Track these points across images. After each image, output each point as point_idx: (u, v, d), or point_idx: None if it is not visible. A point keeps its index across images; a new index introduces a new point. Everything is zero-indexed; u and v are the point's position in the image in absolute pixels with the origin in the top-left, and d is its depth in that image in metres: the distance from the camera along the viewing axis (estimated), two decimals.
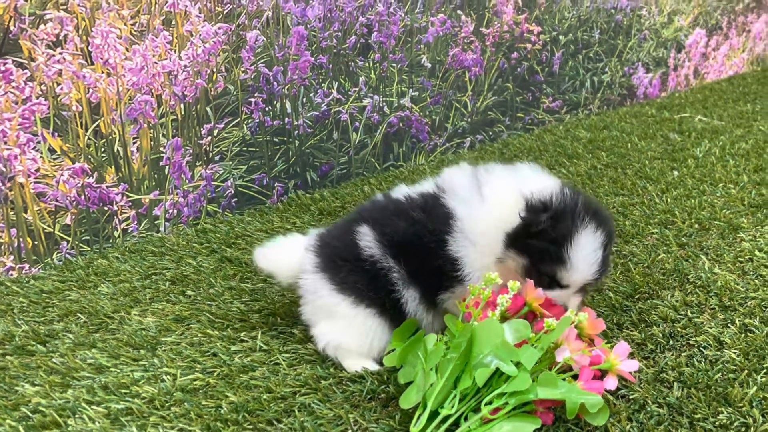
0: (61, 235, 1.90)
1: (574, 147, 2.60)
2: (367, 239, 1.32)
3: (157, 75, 1.96)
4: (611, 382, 1.16)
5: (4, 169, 1.78)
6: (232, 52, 2.09)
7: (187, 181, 2.09)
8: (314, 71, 2.25)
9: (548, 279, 1.23)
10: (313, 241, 1.41)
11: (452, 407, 1.10)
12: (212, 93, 2.08)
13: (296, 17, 2.18)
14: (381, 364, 1.34)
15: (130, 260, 1.89)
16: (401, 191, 1.38)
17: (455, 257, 1.26)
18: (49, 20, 1.77)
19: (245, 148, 2.18)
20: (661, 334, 1.40)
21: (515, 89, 2.79)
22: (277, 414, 1.25)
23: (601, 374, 1.18)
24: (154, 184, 2.03)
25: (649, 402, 1.22)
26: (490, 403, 1.09)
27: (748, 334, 1.39)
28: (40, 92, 1.79)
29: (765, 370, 1.27)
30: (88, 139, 1.90)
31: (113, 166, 1.95)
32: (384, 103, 2.44)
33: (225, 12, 2.05)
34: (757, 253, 1.69)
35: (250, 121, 2.17)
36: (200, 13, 2.00)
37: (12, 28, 1.73)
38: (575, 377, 1.15)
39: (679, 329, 1.42)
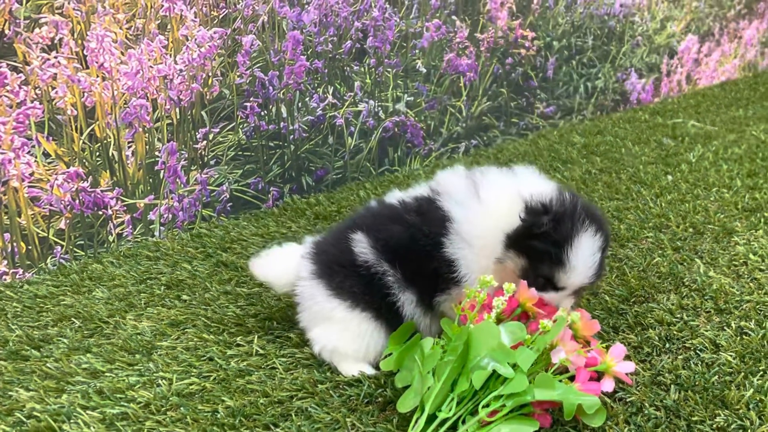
0: (56, 239, 1.89)
1: (569, 152, 2.61)
2: (361, 246, 1.33)
3: (153, 79, 1.96)
4: (608, 384, 1.16)
5: None
6: (228, 57, 2.09)
7: (182, 186, 2.09)
8: (310, 76, 2.26)
9: (544, 281, 1.23)
10: (309, 248, 1.41)
11: (450, 410, 1.10)
12: (208, 97, 2.08)
13: (292, 22, 2.18)
14: (378, 368, 1.34)
15: (124, 265, 1.88)
16: (395, 196, 1.39)
17: (451, 259, 1.27)
18: (44, 24, 1.77)
19: (240, 153, 2.18)
20: (657, 337, 1.41)
21: (510, 94, 2.80)
22: (274, 418, 1.24)
23: (598, 376, 1.18)
24: (149, 188, 2.03)
25: (647, 405, 1.22)
26: (487, 405, 1.09)
27: (744, 336, 1.39)
28: (34, 96, 1.79)
29: (761, 373, 1.28)
30: (83, 143, 1.89)
31: (108, 171, 1.94)
32: (379, 108, 2.44)
33: (221, 16, 2.05)
34: (751, 256, 1.70)
35: (245, 125, 2.17)
36: (196, 17, 2.00)
37: (6, 31, 1.73)
38: (572, 379, 1.15)
39: (675, 332, 1.42)
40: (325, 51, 2.27)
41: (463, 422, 1.10)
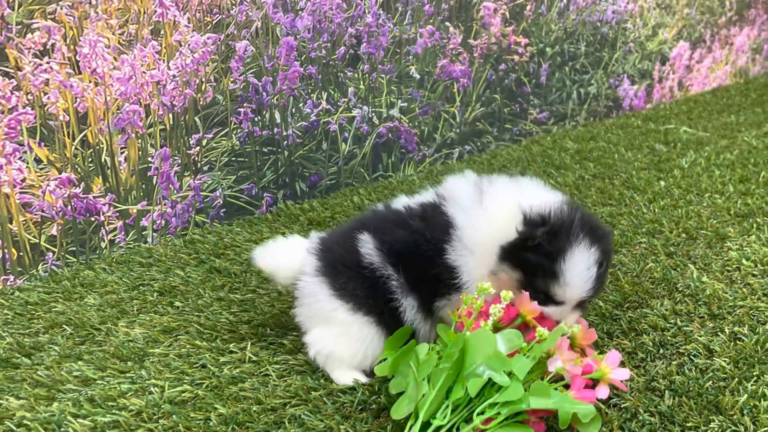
0: (47, 246, 1.88)
1: (562, 158, 2.61)
2: (367, 247, 1.31)
3: (146, 85, 1.95)
4: (603, 391, 1.16)
5: None
6: (221, 62, 2.08)
7: (175, 192, 2.08)
8: (303, 82, 2.25)
9: (543, 295, 1.22)
10: (315, 244, 1.40)
11: (444, 417, 1.09)
12: (201, 103, 2.07)
13: (285, 28, 2.18)
14: (372, 375, 1.33)
15: (117, 271, 1.87)
16: (401, 201, 1.38)
17: (453, 266, 1.26)
18: (36, 29, 1.76)
19: (234, 159, 2.17)
20: (651, 343, 1.41)
21: (503, 100, 2.81)
22: (267, 426, 1.23)
23: (593, 383, 1.18)
24: (141, 194, 2.02)
25: (641, 411, 1.22)
26: (482, 413, 1.08)
27: (738, 342, 1.39)
28: (26, 101, 1.78)
29: (755, 378, 1.28)
30: (75, 149, 1.88)
31: (100, 177, 1.93)
32: (373, 114, 2.44)
33: (214, 22, 2.05)
34: (744, 261, 1.70)
35: (239, 131, 2.16)
36: (189, 22, 2.00)
37: None
38: (567, 387, 1.15)
39: (668, 338, 1.43)
40: (319, 57, 2.27)
41: (458, 430, 1.09)
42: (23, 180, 1.81)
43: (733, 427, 1.16)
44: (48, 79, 1.80)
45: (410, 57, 2.49)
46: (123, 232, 2.00)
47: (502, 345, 1.13)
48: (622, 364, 1.25)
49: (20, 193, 1.80)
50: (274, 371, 1.39)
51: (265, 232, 2.08)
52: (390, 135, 2.50)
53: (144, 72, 1.94)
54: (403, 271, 1.29)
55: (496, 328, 1.18)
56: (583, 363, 1.17)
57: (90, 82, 1.86)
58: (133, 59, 1.92)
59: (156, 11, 1.94)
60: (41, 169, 1.84)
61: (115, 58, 1.89)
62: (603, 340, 1.43)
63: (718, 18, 3.61)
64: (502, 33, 2.73)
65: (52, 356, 1.48)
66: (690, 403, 1.22)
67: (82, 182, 1.91)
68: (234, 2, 2.07)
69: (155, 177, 2.03)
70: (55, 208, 1.87)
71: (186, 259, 1.92)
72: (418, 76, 2.53)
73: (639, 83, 3.32)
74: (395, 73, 2.47)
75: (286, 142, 2.26)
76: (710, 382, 1.27)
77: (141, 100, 1.96)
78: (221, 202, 2.17)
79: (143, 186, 2.02)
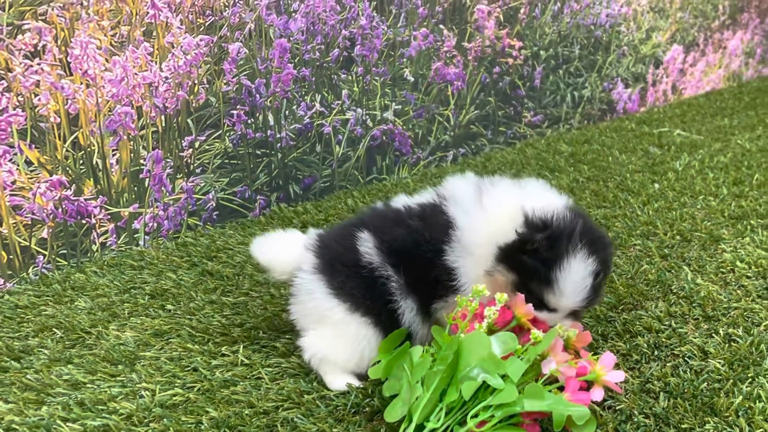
0: (38, 249, 1.86)
1: (556, 160, 2.61)
2: (367, 245, 1.30)
3: (138, 86, 1.94)
4: (597, 393, 1.15)
5: None
6: (214, 64, 2.07)
7: (167, 194, 2.06)
8: (297, 84, 2.25)
9: (537, 300, 1.21)
10: (313, 240, 1.37)
11: (438, 420, 1.08)
12: (194, 105, 2.06)
13: (279, 30, 2.17)
14: (366, 378, 1.32)
15: (108, 274, 1.86)
16: (401, 201, 1.37)
17: (452, 267, 1.25)
18: (27, 30, 1.75)
19: (227, 161, 2.16)
20: (646, 345, 1.40)
21: (497, 103, 2.81)
22: (259, 429, 1.22)
23: (588, 385, 1.17)
24: (133, 196, 2.00)
25: (636, 413, 1.21)
26: (476, 416, 1.07)
27: (732, 343, 1.39)
28: (17, 103, 1.76)
29: (750, 380, 1.27)
30: (66, 151, 1.86)
31: (92, 179, 1.92)
32: (367, 116, 2.43)
33: (207, 24, 2.04)
34: (738, 263, 1.70)
35: (232, 133, 2.15)
36: (182, 24, 1.99)
37: None
38: (561, 389, 1.14)
39: (663, 339, 1.42)
40: (313, 59, 2.26)
41: None
42: (13, 182, 1.79)
43: (728, 429, 1.16)
44: (39, 81, 1.78)
45: (404, 60, 2.49)
46: (114, 235, 1.99)
47: (496, 347, 1.12)
48: (617, 366, 1.25)
49: (10, 195, 1.79)
50: (266, 374, 1.37)
51: (258, 235, 2.06)
52: (384, 137, 2.49)
53: (136, 74, 1.93)
54: (403, 271, 1.28)
55: (491, 331, 1.17)
56: (577, 365, 1.16)
57: (81, 83, 1.85)
58: (125, 61, 1.91)
59: (148, 13, 1.93)
60: (32, 171, 1.82)
61: (106, 60, 1.88)
62: (598, 342, 1.43)
63: (712, 22, 3.62)
64: (497, 36, 2.73)
65: (42, 360, 1.47)
66: (685, 404, 1.22)
67: (73, 184, 1.89)
68: (227, 4, 2.06)
69: (147, 179, 2.02)
70: (45, 211, 1.85)
71: (178, 262, 1.91)
72: (412, 79, 2.52)
73: (633, 86, 3.33)
74: (389, 75, 2.46)
75: (279, 145, 2.25)
76: (705, 384, 1.27)
77: (133, 102, 1.94)
78: (214, 204, 2.15)
79: (135, 188, 2.00)
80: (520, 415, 1.09)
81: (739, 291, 1.59)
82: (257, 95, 2.17)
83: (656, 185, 2.29)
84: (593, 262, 1.19)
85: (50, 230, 1.87)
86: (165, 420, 1.25)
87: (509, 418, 1.09)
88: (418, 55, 2.52)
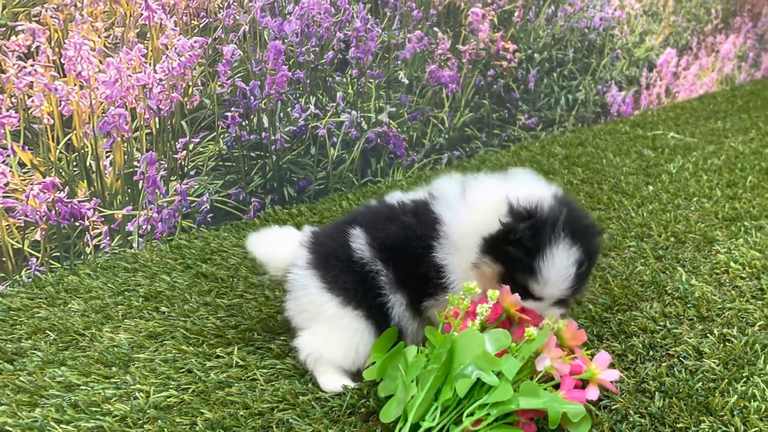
0: (31, 251, 1.85)
1: (551, 163, 2.62)
2: (359, 241, 1.31)
3: (132, 88, 1.94)
4: (593, 392, 1.15)
5: None
6: (209, 66, 2.07)
7: (161, 196, 2.06)
8: (291, 86, 2.24)
9: (522, 289, 1.21)
10: (308, 237, 1.39)
11: (433, 419, 1.08)
12: (188, 107, 2.06)
13: (273, 32, 2.17)
14: (361, 379, 1.31)
15: (101, 277, 1.85)
16: (395, 197, 1.38)
17: (440, 264, 1.25)
18: (20, 31, 1.74)
19: (221, 163, 2.16)
20: (641, 345, 1.40)
21: (491, 106, 2.81)
22: (254, 431, 1.22)
23: (583, 384, 1.17)
24: (127, 199, 2.00)
25: (631, 412, 1.21)
26: (471, 414, 1.07)
27: (727, 343, 1.39)
28: (10, 105, 1.76)
29: (744, 379, 1.27)
30: (60, 152, 1.86)
31: (85, 181, 1.91)
32: (362, 119, 2.43)
33: (201, 25, 2.04)
34: (732, 264, 1.71)
35: (226, 135, 2.15)
36: (176, 26, 1.99)
37: None
38: (556, 387, 1.14)
39: (658, 340, 1.42)
40: (307, 61, 2.26)
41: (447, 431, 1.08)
42: (6, 184, 1.78)
43: (723, 428, 1.16)
44: (32, 82, 1.78)
45: (399, 62, 2.49)
46: (108, 237, 1.98)
47: (489, 345, 1.12)
48: (612, 366, 1.25)
49: (3, 197, 1.78)
50: (261, 375, 1.37)
51: None
52: (379, 140, 2.49)
53: (130, 75, 1.93)
54: (392, 267, 1.29)
55: (483, 327, 1.17)
56: (572, 361, 1.16)
57: (75, 85, 1.84)
58: (118, 62, 1.90)
59: (142, 14, 1.93)
60: (25, 173, 1.81)
61: (100, 61, 1.87)
62: (593, 342, 1.43)
63: (705, 26, 3.64)
64: (491, 39, 2.74)
65: (35, 362, 1.46)
66: (680, 404, 1.22)
67: (67, 186, 1.88)
68: (221, 6, 2.06)
69: (141, 181, 2.01)
70: (38, 213, 1.84)
71: (172, 264, 1.90)
72: (406, 81, 2.52)
73: (627, 89, 3.34)
74: (384, 78, 2.46)
75: (274, 147, 2.25)
76: (700, 384, 1.27)
77: (127, 104, 1.94)
78: (208, 206, 2.15)
79: (129, 190, 2.00)
80: (515, 414, 1.09)
81: (733, 292, 1.60)
82: (252, 97, 2.17)
83: (650, 187, 2.29)
84: (577, 250, 1.19)
85: (43, 232, 1.86)
86: (159, 421, 1.24)
87: (505, 416, 1.09)
88: (413, 58, 2.53)
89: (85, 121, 1.88)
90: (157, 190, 2.04)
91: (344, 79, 2.36)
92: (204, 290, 1.74)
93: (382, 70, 2.45)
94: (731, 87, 3.86)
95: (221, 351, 1.46)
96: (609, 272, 1.72)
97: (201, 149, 2.11)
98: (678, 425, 1.17)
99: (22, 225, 1.83)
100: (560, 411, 1.08)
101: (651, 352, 1.39)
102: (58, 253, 1.90)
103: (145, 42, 1.95)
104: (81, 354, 1.48)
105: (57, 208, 1.87)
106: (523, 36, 2.86)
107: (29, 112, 1.79)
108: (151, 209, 2.04)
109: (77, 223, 1.92)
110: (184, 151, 2.07)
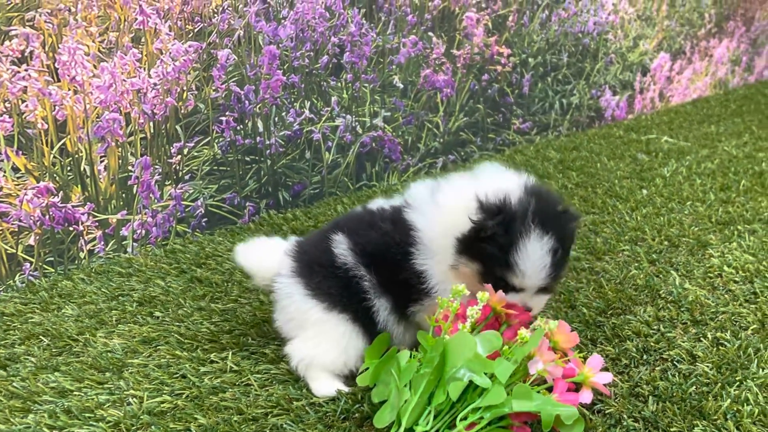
0: (24, 256, 1.85)
1: (545, 167, 2.62)
2: (341, 247, 1.33)
3: (126, 93, 1.94)
4: (586, 395, 1.16)
5: None
6: (203, 71, 2.07)
7: (155, 201, 2.05)
8: (286, 90, 2.25)
9: (503, 283, 1.22)
10: (292, 246, 1.41)
11: (427, 424, 1.08)
12: (182, 111, 2.06)
13: (268, 36, 2.17)
14: (355, 383, 1.31)
15: (96, 281, 1.84)
16: (376, 203, 1.39)
17: (420, 270, 1.27)
18: (14, 36, 1.74)
19: (216, 168, 2.15)
20: (634, 349, 1.41)
21: (486, 110, 2.82)
22: None
23: (576, 387, 1.18)
24: (121, 203, 1.99)
25: (625, 416, 1.21)
26: (465, 418, 1.07)
27: (720, 347, 1.40)
28: (4, 109, 1.75)
29: (738, 383, 1.28)
30: (54, 157, 1.85)
31: (79, 186, 1.91)
32: (356, 123, 2.44)
33: (196, 30, 2.04)
34: (725, 268, 1.71)
35: (221, 140, 2.15)
36: (170, 31, 1.99)
37: None
38: (549, 390, 1.14)
39: (652, 344, 1.42)
40: (302, 66, 2.27)
41: None
42: (0, 189, 1.78)
43: None
44: (26, 87, 1.77)
45: (393, 66, 2.49)
46: (102, 242, 1.97)
47: (481, 347, 1.12)
48: (606, 370, 1.25)
49: None
50: (255, 381, 1.37)
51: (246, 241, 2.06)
52: (374, 144, 2.50)
53: (124, 80, 1.93)
54: (375, 272, 1.30)
55: (474, 329, 1.17)
56: (565, 366, 1.17)
57: (69, 89, 1.84)
58: (113, 67, 1.90)
59: (137, 19, 1.93)
60: (18, 177, 1.81)
61: (95, 66, 1.87)
62: (587, 346, 1.43)
63: (698, 30, 3.66)
64: (485, 43, 2.75)
65: (28, 367, 1.45)
66: (674, 408, 1.22)
67: (61, 191, 1.88)
68: (216, 11, 2.06)
69: (135, 186, 2.01)
70: (32, 218, 1.84)
71: (167, 269, 1.90)
72: (401, 86, 2.53)
73: (620, 94, 3.35)
74: (378, 82, 2.47)
75: (268, 151, 2.25)
76: (693, 388, 1.27)
77: (121, 109, 1.94)
78: (203, 211, 2.15)
79: (123, 195, 1.99)
80: (509, 417, 1.09)
81: (726, 295, 1.60)
82: (246, 102, 2.17)
83: (644, 191, 2.30)
84: (550, 239, 1.19)
85: (37, 237, 1.86)
86: (153, 427, 1.24)
87: (498, 420, 1.09)
88: (408, 62, 2.53)
89: (80, 125, 1.88)
90: (151, 195, 2.04)
91: (339, 84, 2.37)
92: (198, 295, 1.74)
93: (377, 75, 2.46)
94: (725, 91, 3.88)
95: (215, 356, 1.46)
96: (603, 276, 1.73)
97: (196, 154, 2.11)
98: (672, 429, 1.18)
99: (16, 230, 1.82)
100: (553, 414, 1.08)
101: (645, 356, 1.39)
102: (52, 258, 1.89)
103: (140, 47, 1.95)
104: (74, 359, 1.48)
105: (51, 213, 1.87)
106: (517, 40, 2.87)
107: (23, 116, 1.79)
108: (145, 214, 2.04)
109: (71, 228, 1.91)
110: (179, 156, 2.07)
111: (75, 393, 1.35)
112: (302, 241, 1.43)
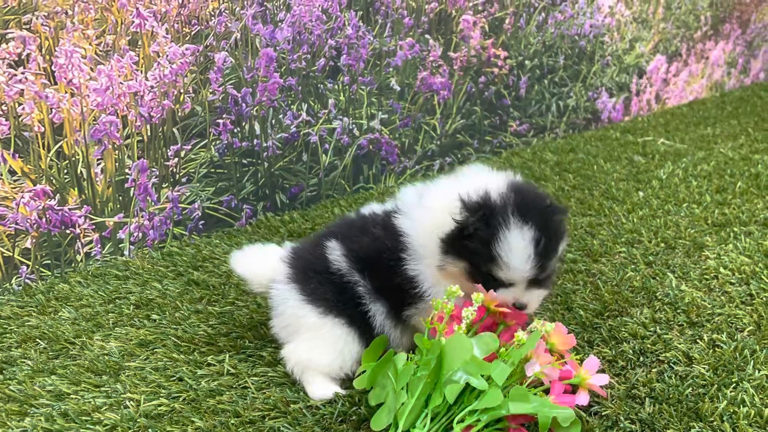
0: (21, 259, 1.85)
1: (542, 169, 2.63)
2: (336, 254, 1.34)
3: (123, 95, 1.94)
4: (583, 397, 1.16)
5: None
6: (200, 73, 2.07)
7: (152, 204, 2.05)
8: (283, 93, 2.25)
9: (491, 278, 1.22)
10: (288, 252, 1.41)
11: (424, 426, 1.08)
12: (179, 114, 2.06)
13: (265, 39, 2.18)
14: (351, 386, 1.31)
15: (92, 284, 1.84)
16: (370, 208, 1.40)
17: (412, 276, 1.27)
18: (11, 39, 1.74)
19: (213, 170, 2.15)
20: (631, 351, 1.41)
21: (483, 113, 2.82)
22: None
23: (572, 389, 1.18)
24: (118, 206, 1.99)
25: (622, 418, 1.21)
26: (462, 420, 1.07)
27: (716, 349, 1.40)
28: (0, 112, 1.75)
29: (734, 385, 1.28)
30: (51, 160, 1.85)
31: (76, 188, 1.91)
32: (353, 126, 2.44)
33: (193, 33, 2.04)
34: (722, 270, 1.72)
35: (218, 142, 2.15)
36: (167, 33, 1.99)
37: None
38: (546, 392, 1.14)
39: (648, 345, 1.43)
40: (299, 68, 2.27)
41: None
42: None
43: None
44: (23, 90, 1.77)
45: (390, 69, 2.50)
46: (99, 245, 1.97)
47: (477, 349, 1.12)
48: (602, 372, 1.25)
49: None
50: (252, 383, 1.37)
51: (244, 244, 2.04)
52: (371, 147, 2.50)
53: (121, 83, 1.93)
54: (369, 277, 1.31)
55: (470, 330, 1.17)
56: (561, 367, 1.17)
57: (66, 92, 1.84)
58: (110, 70, 1.90)
59: (133, 22, 1.93)
60: (15, 180, 1.81)
61: (91, 69, 1.87)
62: (584, 348, 1.43)
63: (694, 32, 3.67)
64: (482, 46, 2.75)
65: (25, 371, 1.45)
66: (670, 410, 1.22)
67: (58, 194, 1.88)
68: (213, 13, 2.06)
69: (132, 189, 2.01)
70: (29, 221, 1.84)
71: (163, 272, 1.89)
72: (398, 88, 2.53)
73: (617, 96, 3.36)
74: (375, 84, 2.47)
75: (265, 154, 2.25)
76: (690, 389, 1.28)
77: (118, 111, 1.94)
78: (200, 214, 2.15)
79: (120, 198, 1.99)
80: (506, 419, 1.09)
81: (722, 297, 1.60)
82: (243, 104, 2.17)
83: (641, 193, 2.31)
84: (530, 229, 1.20)
85: (34, 240, 1.86)
86: (150, 430, 1.24)
87: (495, 422, 1.09)
88: (404, 65, 2.53)
89: (76, 128, 1.87)
90: (148, 198, 2.04)
91: (336, 86, 2.37)
92: (195, 298, 1.74)
93: (374, 77, 2.46)
94: (721, 93, 3.89)
95: (212, 359, 1.46)
96: (599, 278, 1.73)
97: (193, 156, 2.11)
98: (668, 431, 1.18)
99: (13, 233, 1.82)
100: (550, 416, 1.08)
101: (641, 358, 1.39)
102: (49, 261, 1.89)
103: (137, 49, 1.95)
104: (71, 363, 1.48)
105: (48, 216, 1.86)
106: (514, 43, 2.87)
107: (20, 119, 1.79)
108: (142, 216, 2.04)
109: (68, 231, 1.91)
110: (176, 159, 2.07)
111: (72, 396, 1.35)
112: (297, 248, 1.43)
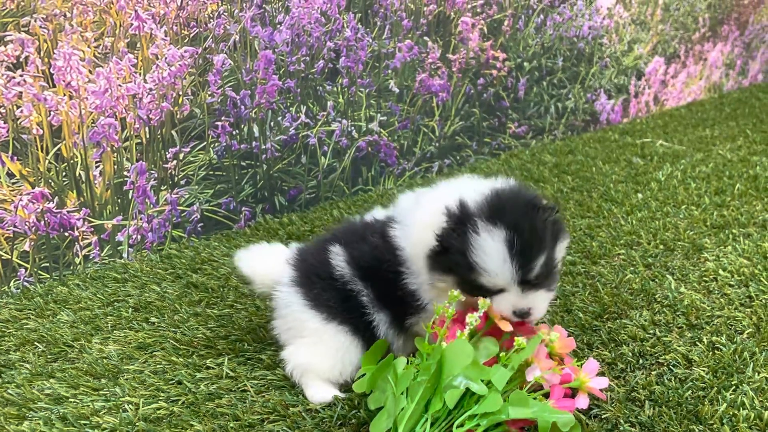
0: (19, 261, 1.84)
1: (541, 171, 2.63)
2: (339, 259, 1.32)
3: (122, 98, 1.93)
4: (582, 401, 1.16)
5: None
6: (199, 76, 2.07)
7: (151, 206, 2.05)
8: (282, 95, 2.25)
9: (479, 287, 1.19)
10: (293, 254, 1.40)
11: (424, 431, 1.08)
12: (178, 116, 2.06)
13: (264, 41, 2.17)
14: (351, 390, 1.31)
15: (91, 287, 1.84)
16: (373, 214, 1.39)
17: (412, 290, 1.26)
18: (9, 41, 1.74)
19: (212, 172, 2.15)
20: (630, 353, 1.41)
21: (482, 114, 2.82)
22: None
23: (572, 393, 1.18)
24: (117, 208, 1.99)
25: (621, 421, 1.21)
26: (461, 425, 1.07)
27: (716, 351, 1.40)
28: None
29: (733, 387, 1.28)
30: (49, 163, 1.85)
31: (75, 191, 1.90)
32: (352, 128, 2.44)
33: (191, 35, 2.04)
34: (721, 272, 1.72)
35: (216, 144, 2.14)
36: (166, 36, 1.99)
37: None
38: (546, 396, 1.14)
39: (648, 348, 1.43)
40: (298, 70, 2.27)
41: None
42: None
43: None
44: (21, 92, 1.77)
45: (389, 71, 2.50)
46: (98, 248, 1.97)
47: (478, 355, 1.12)
48: (602, 375, 1.25)
49: None
50: (251, 387, 1.36)
51: (243, 246, 2.05)
52: (369, 149, 2.50)
53: (120, 85, 1.92)
54: (371, 287, 1.30)
55: (473, 337, 1.17)
56: (561, 372, 1.17)
57: (64, 95, 1.84)
58: (108, 72, 1.90)
59: (132, 24, 1.93)
60: (13, 183, 1.80)
61: (90, 71, 1.87)
62: (583, 351, 1.43)
63: (692, 34, 3.67)
64: (480, 48, 2.75)
65: (23, 374, 1.45)
66: (670, 413, 1.22)
67: (56, 197, 1.87)
68: (212, 16, 2.06)
69: (131, 191, 2.00)
70: (27, 223, 1.83)
71: (162, 275, 1.89)
72: (397, 90, 2.53)
73: (615, 98, 3.36)
74: (374, 87, 2.47)
75: (264, 156, 2.25)
76: (689, 392, 1.27)
77: (117, 114, 1.93)
78: (198, 216, 2.14)
79: (119, 200, 1.99)
80: (505, 424, 1.09)
81: (722, 299, 1.60)
82: (242, 106, 2.17)
83: (639, 195, 2.31)
84: (500, 230, 1.15)
85: (32, 243, 1.85)
86: None
87: (495, 426, 1.09)
88: (403, 67, 2.53)
89: (75, 131, 1.87)
90: (147, 200, 2.04)
91: (335, 89, 2.37)
92: (194, 300, 1.74)
93: (373, 79, 2.46)
94: (719, 95, 3.89)
95: (211, 362, 1.45)
96: (599, 280, 1.73)
97: (191, 159, 2.10)
98: None
99: (11, 236, 1.82)
100: (550, 420, 1.08)
101: (641, 361, 1.39)
102: (47, 264, 1.89)
103: (135, 52, 1.95)
104: (70, 366, 1.47)
105: (46, 219, 1.86)
106: (512, 45, 2.87)
107: (18, 122, 1.78)
108: (141, 219, 2.03)
109: (66, 234, 1.91)
110: (175, 161, 2.07)
111: (70, 400, 1.35)
112: (302, 249, 1.42)
